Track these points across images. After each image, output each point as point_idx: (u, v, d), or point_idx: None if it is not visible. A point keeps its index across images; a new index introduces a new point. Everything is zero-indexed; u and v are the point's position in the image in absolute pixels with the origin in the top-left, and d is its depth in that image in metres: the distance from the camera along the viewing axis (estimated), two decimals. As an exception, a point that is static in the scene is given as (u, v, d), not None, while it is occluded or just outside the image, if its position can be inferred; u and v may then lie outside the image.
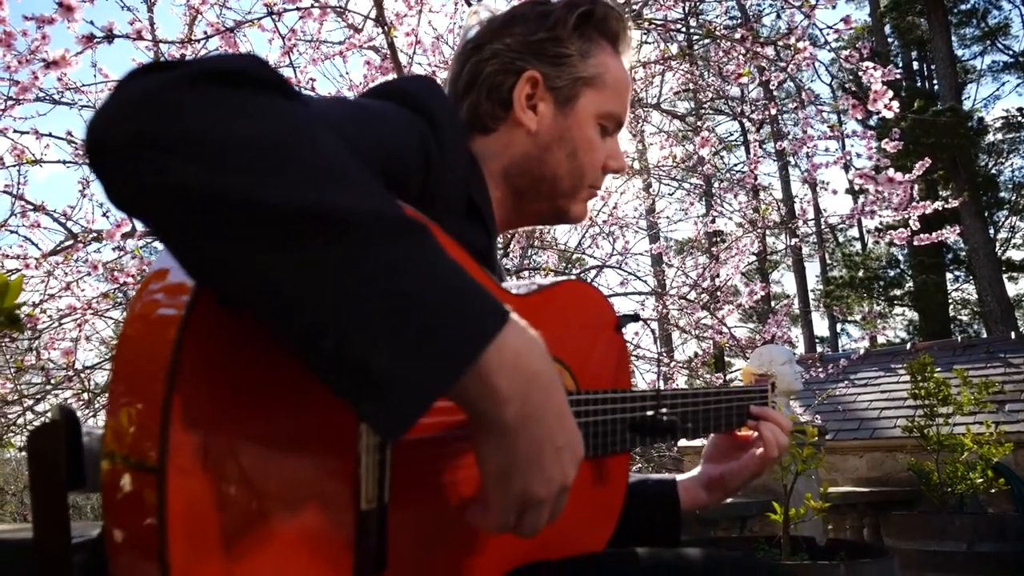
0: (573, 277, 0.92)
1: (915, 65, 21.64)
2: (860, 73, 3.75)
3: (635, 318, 0.95)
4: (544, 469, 0.62)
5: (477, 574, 0.75)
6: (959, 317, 21.38)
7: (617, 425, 0.90)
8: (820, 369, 7.06)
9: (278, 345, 0.56)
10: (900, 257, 21.37)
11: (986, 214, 18.54)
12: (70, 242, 4.09)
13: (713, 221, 6.58)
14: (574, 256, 5.26)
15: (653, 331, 1.00)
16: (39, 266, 3.94)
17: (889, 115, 3.61)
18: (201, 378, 0.54)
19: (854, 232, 22.84)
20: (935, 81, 19.59)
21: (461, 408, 0.61)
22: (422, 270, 0.56)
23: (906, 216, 5.73)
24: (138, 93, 0.51)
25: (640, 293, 5.50)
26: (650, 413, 0.91)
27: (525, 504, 0.63)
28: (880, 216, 5.83)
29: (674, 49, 4.50)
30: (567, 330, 0.90)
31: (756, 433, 1.12)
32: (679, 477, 1.15)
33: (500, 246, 4.79)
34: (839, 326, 23.36)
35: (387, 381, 0.53)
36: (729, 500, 3.74)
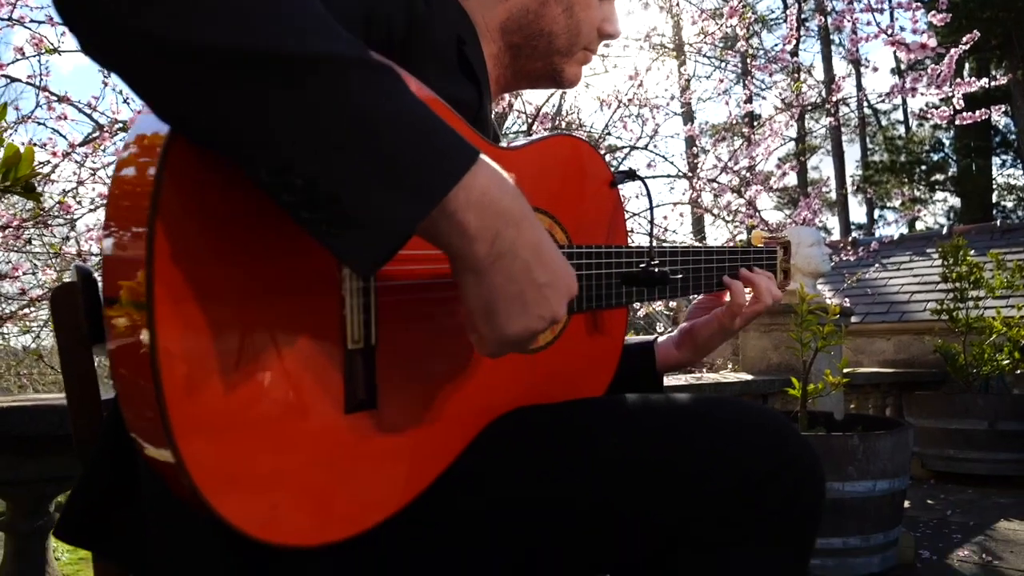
0: (564, 132, 0.91)
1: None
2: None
3: (631, 174, 0.94)
4: (528, 306, 0.65)
5: (473, 415, 0.78)
6: (1003, 203, 20.77)
7: (612, 279, 0.91)
8: (852, 253, 6.98)
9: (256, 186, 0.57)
10: (945, 140, 20.62)
11: (1040, 93, 17.61)
12: (97, 133, 4.11)
13: (748, 101, 6.37)
14: (601, 138, 5.15)
15: (648, 190, 0.97)
16: (68, 157, 3.99)
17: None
18: (184, 215, 0.55)
19: (898, 115, 22.00)
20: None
21: (435, 245, 0.62)
22: (388, 108, 0.56)
23: (950, 94, 5.49)
24: None
25: (669, 176, 5.41)
26: (642, 265, 0.91)
27: (514, 338, 0.66)
28: (923, 94, 5.59)
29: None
30: (558, 184, 0.90)
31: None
32: (660, 338, 1.16)
33: (524, 129, 4.71)
34: (876, 212, 22.88)
35: (359, 216, 0.55)
36: (750, 377, 3.80)
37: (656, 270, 0.90)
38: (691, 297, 1.13)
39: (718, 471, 0.75)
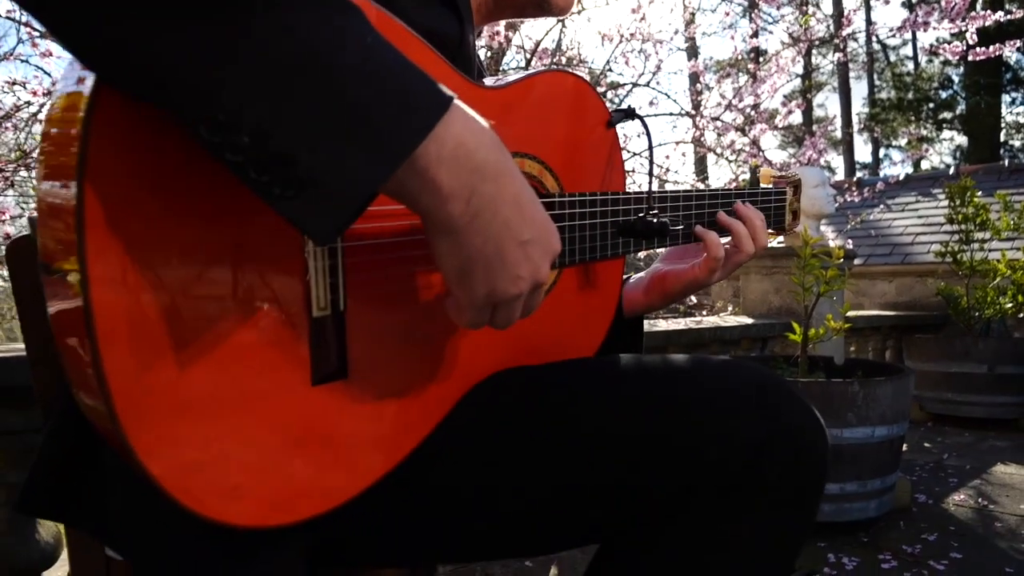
0: (556, 68, 0.83)
1: None
2: None
3: (630, 113, 0.87)
4: (509, 266, 0.59)
5: (453, 380, 0.73)
6: (1011, 142, 20.44)
7: (608, 228, 0.85)
8: (856, 193, 6.87)
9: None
10: (954, 77, 20.18)
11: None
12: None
13: (755, 36, 6.17)
14: (602, 75, 5.00)
15: (648, 131, 0.89)
16: (50, 95, 3.86)
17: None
18: (116, 175, 0.49)
19: (907, 51, 21.48)
20: None
21: (404, 205, 0.56)
22: (350, 51, 0.49)
23: (963, 28, 5.31)
24: None
25: (671, 114, 5.28)
26: (641, 214, 0.85)
27: (494, 302, 0.60)
28: (936, 28, 5.41)
29: None
30: (548, 125, 0.83)
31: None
32: (631, 279, 1.06)
33: (523, 65, 4.56)
34: (882, 152, 22.58)
35: (315, 177, 0.48)
36: (750, 320, 3.77)
37: (655, 219, 0.84)
38: None
39: (710, 443, 0.71)
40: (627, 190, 0.89)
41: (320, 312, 0.61)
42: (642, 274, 1.05)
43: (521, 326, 0.80)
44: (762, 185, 1.11)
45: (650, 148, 0.92)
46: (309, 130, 0.47)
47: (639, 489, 0.72)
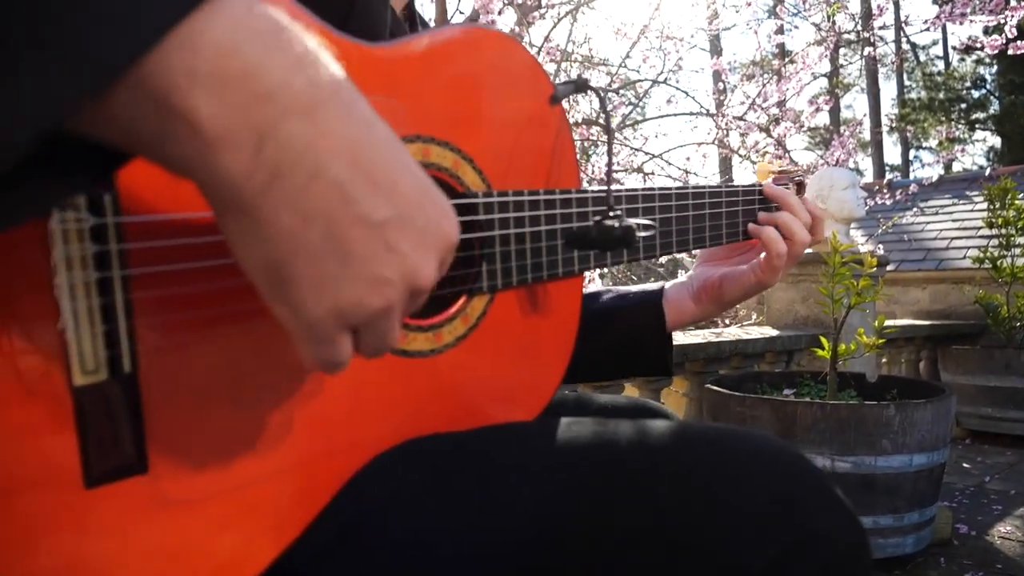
0: (483, 25, 0.61)
1: None
2: None
3: (582, 85, 0.64)
4: (357, 263, 0.36)
5: (324, 462, 0.51)
6: (1047, 142, 19.83)
7: (555, 238, 0.63)
8: (887, 196, 6.56)
9: None
10: (987, 76, 19.64)
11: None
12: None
13: (780, 32, 5.90)
14: (616, 72, 4.78)
15: (605, 107, 0.70)
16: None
17: None
18: None
19: (937, 50, 20.96)
20: None
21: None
22: None
23: (1001, 20, 5.02)
24: None
25: (691, 114, 5.03)
26: (597, 219, 0.62)
27: (345, 324, 0.38)
28: (973, 20, 5.12)
29: None
30: (465, 100, 0.60)
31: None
32: (668, 285, 0.89)
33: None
34: (912, 153, 22.03)
35: None
36: (775, 332, 3.51)
37: (617, 224, 0.60)
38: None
39: (714, 551, 0.50)
40: (583, 187, 0.66)
41: (87, 379, 0.39)
42: (683, 279, 0.89)
43: (434, 374, 0.59)
44: (759, 181, 0.89)
45: (608, 131, 0.70)
46: None
47: None
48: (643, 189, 0.71)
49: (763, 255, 0.84)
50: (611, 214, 0.60)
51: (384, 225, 0.36)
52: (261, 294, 0.37)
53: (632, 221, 0.59)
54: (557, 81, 0.71)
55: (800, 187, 0.93)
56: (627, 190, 0.71)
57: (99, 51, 0.28)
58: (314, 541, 0.50)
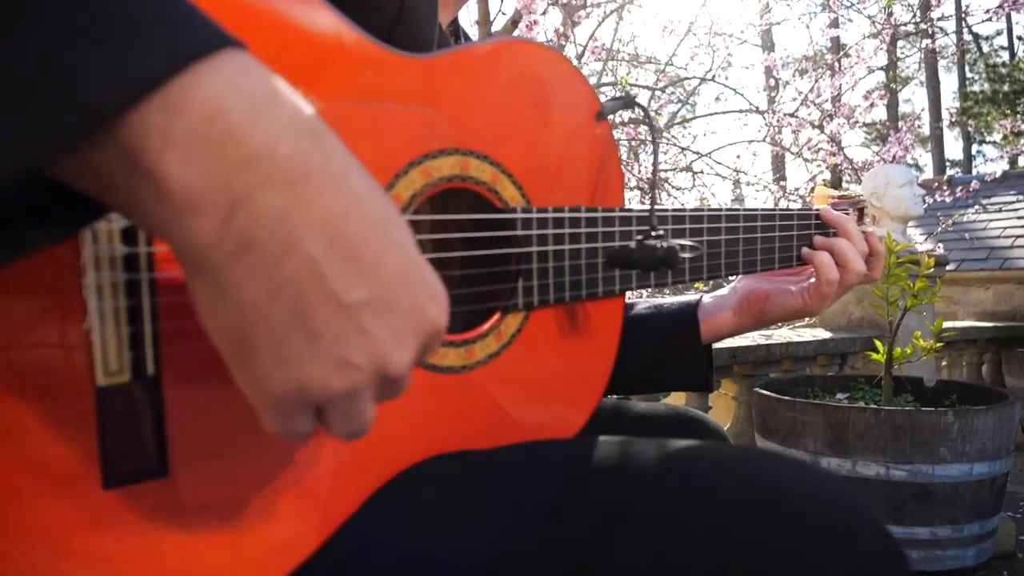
0: (525, 39, 0.59)
1: None
2: None
3: (628, 101, 0.62)
4: (323, 342, 0.34)
5: (350, 476, 0.51)
6: (1120, 135, 18.94)
7: (595, 257, 0.62)
8: (947, 193, 6.34)
9: None
10: (1056, 67, 18.84)
11: None
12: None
13: (834, 26, 5.76)
14: (662, 70, 4.71)
15: (651, 125, 0.68)
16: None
17: None
18: None
19: (1002, 40, 20.21)
20: None
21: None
22: None
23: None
24: None
25: (739, 111, 4.93)
26: (639, 238, 0.60)
27: (306, 401, 0.36)
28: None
29: None
30: (507, 113, 0.58)
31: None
32: (707, 297, 0.87)
33: (574, 56, 4.32)
34: (974, 148, 21.28)
35: None
36: (828, 334, 3.42)
37: (659, 244, 0.59)
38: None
39: None
40: (627, 205, 0.65)
41: (110, 379, 0.39)
42: (725, 290, 0.87)
43: (468, 391, 0.58)
44: (817, 206, 0.86)
45: (655, 146, 0.68)
46: None
47: None
48: (691, 210, 0.69)
49: (812, 280, 0.82)
50: (654, 234, 0.59)
51: (358, 306, 0.34)
52: (224, 360, 0.36)
53: (676, 242, 0.58)
54: (601, 81, 0.69)
55: (861, 215, 0.90)
56: (674, 211, 0.69)
57: (88, 103, 0.28)
58: (325, 563, 0.49)
